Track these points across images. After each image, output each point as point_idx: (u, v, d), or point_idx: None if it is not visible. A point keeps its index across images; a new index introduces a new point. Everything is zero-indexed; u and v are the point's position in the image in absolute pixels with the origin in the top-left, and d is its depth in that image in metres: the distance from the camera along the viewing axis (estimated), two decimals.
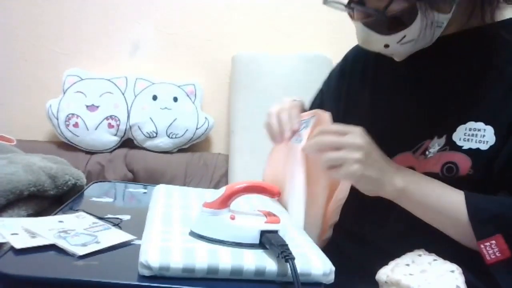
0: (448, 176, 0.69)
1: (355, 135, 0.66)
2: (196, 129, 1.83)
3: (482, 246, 0.62)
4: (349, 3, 0.69)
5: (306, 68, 1.83)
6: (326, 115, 0.74)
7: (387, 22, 0.67)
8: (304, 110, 0.84)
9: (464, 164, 0.68)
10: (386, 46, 0.70)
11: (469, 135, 0.68)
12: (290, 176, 0.76)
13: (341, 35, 1.86)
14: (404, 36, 0.68)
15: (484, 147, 0.66)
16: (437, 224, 0.67)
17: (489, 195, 0.65)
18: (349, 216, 0.79)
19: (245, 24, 1.91)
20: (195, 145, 1.89)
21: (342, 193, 0.74)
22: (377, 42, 0.71)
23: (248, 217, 0.59)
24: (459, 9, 0.67)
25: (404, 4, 0.64)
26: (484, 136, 0.66)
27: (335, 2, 0.70)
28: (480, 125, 0.67)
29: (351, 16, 0.72)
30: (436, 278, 0.59)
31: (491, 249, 0.61)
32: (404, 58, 0.74)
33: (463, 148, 0.68)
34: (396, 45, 0.70)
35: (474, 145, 0.67)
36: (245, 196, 0.59)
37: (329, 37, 1.89)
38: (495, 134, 0.66)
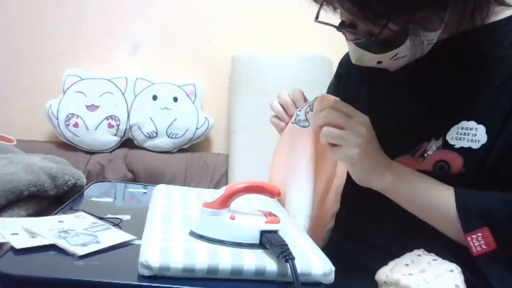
0: (440, 174, 0.69)
1: (361, 120, 0.68)
2: (196, 129, 1.83)
3: (469, 238, 0.63)
4: (340, 25, 0.70)
5: (306, 68, 1.83)
6: (330, 96, 0.76)
7: (378, 44, 0.67)
8: (304, 96, 0.85)
9: (456, 162, 0.68)
10: (379, 62, 0.71)
11: (461, 134, 0.69)
12: (296, 163, 0.77)
13: (341, 35, 1.86)
14: (396, 54, 0.69)
15: (475, 146, 0.67)
16: (427, 218, 0.69)
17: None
18: (348, 217, 0.79)
19: (245, 24, 1.91)
20: (195, 145, 1.89)
21: (339, 179, 0.76)
22: (370, 60, 0.72)
23: (248, 217, 0.59)
24: (450, 18, 0.67)
25: (394, 28, 0.64)
26: (475, 135, 0.67)
27: (326, 24, 0.71)
28: (472, 124, 0.68)
29: (344, 35, 0.73)
30: (435, 278, 0.59)
31: (477, 242, 0.62)
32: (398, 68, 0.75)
33: (455, 147, 0.69)
34: (389, 61, 0.71)
35: (466, 144, 0.68)
36: (245, 196, 0.59)
37: (329, 37, 1.87)
38: (487, 133, 0.67)
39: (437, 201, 0.67)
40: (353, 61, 0.75)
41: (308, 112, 0.77)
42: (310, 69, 1.83)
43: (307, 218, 0.73)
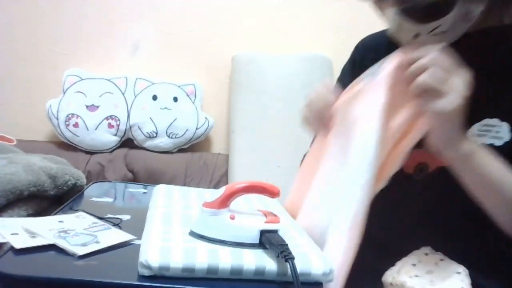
0: None
1: (467, 73, 0.61)
2: (196, 129, 1.83)
3: None
4: None
5: (306, 68, 1.83)
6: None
7: (424, 10, 0.64)
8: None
9: None
10: (416, 35, 0.67)
11: (483, 130, 0.67)
12: (355, 119, 0.68)
13: (341, 35, 1.86)
14: (437, 27, 0.65)
15: (498, 142, 0.66)
16: (486, 198, 0.64)
17: None
18: None
19: (245, 24, 1.92)
20: (195, 145, 1.89)
21: (413, 139, 0.67)
22: (408, 31, 0.67)
23: (248, 217, 0.59)
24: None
25: None
26: (498, 132, 0.66)
27: None
28: (495, 121, 0.67)
29: (379, 7, 0.70)
30: (441, 280, 0.59)
31: None
32: None
33: (477, 143, 0.67)
34: (426, 36, 0.66)
35: (488, 141, 0.67)
36: (245, 196, 0.59)
37: (329, 37, 1.89)
38: (511, 131, 0.66)
39: (504, 182, 0.62)
40: (392, 32, 0.70)
41: (382, 63, 0.69)
42: (310, 69, 1.83)
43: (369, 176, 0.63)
